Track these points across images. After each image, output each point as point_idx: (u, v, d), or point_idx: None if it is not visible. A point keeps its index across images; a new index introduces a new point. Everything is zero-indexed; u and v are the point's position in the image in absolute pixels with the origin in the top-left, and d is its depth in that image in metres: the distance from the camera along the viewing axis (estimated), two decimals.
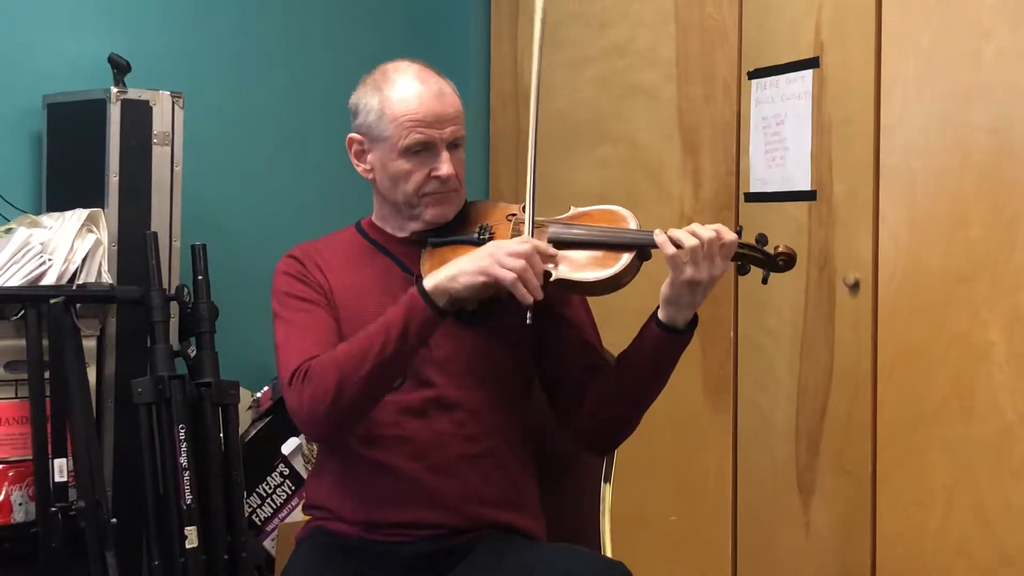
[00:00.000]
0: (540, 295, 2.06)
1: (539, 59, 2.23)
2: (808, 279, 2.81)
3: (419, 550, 2.17)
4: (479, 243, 2.23)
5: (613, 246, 2.16)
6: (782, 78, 2.89)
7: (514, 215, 2.27)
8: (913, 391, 2.58)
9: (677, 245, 2.08)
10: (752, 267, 2.19)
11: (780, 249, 2.19)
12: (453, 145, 2.24)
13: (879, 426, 2.66)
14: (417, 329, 2.08)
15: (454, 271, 2.08)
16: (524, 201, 2.27)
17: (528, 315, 2.09)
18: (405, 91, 2.23)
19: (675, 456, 3.17)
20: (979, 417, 2.45)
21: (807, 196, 2.83)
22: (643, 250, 2.16)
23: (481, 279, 2.06)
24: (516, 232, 2.22)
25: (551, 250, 2.11)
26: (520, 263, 2.05)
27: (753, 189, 2.98)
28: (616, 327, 2.52)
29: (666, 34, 3.19)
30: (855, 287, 2.70)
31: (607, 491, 2.38)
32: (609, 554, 2.33)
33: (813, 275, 2.80)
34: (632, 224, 2.21)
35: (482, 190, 3.73)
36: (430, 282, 2.08)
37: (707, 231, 2.09)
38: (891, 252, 2.63)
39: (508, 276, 2.04)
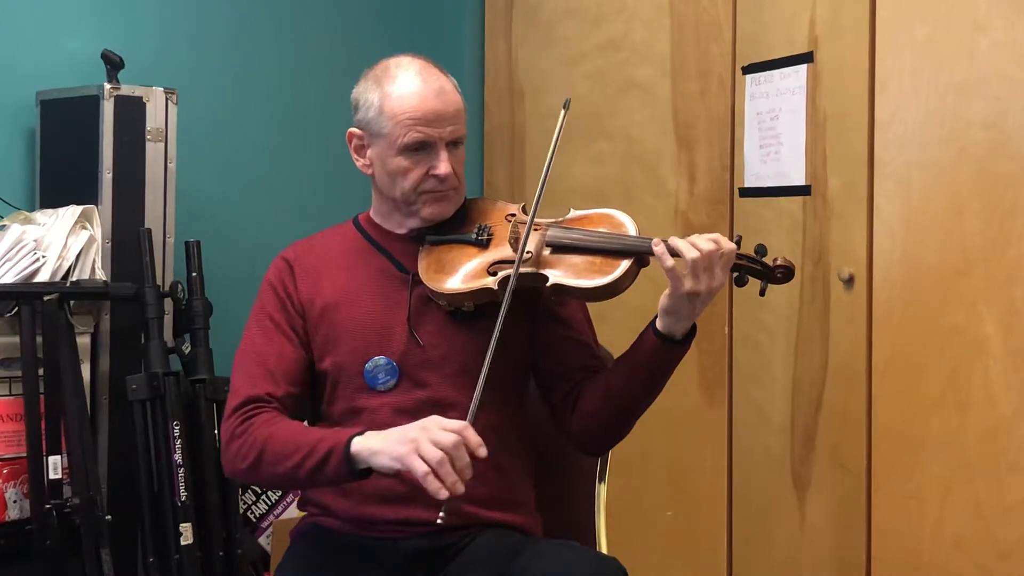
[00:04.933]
0: (458, 491, 1.97)
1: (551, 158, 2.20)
2: (803, 274, 2.81)
3: (414, 547, 2.17)
4: (477, 243, 2.22)
5: (612, 252, 2.15)
6: (776, 73, 2.89)
7: (513, 215, 2.26)
8: (908, 385, 2.58)
9: (675, 255, 2.07)
10: (750, 279, 2.18)
11: (779, 261, 2.17)
12: (453, 144, 2.23)
13: (874, 421, 2.66)
14: (330, 474, 2.07)
15: (378, 446, 2.03)
16: (522, 200, 2.26)
17: (440, 514, 2.00)
18: (405, 88, 2.21)
19: (671, 451, 3.17)
20: (975, 411, 2.45)
21: (802, 191, 2.82)
22: (642, 257, 2.15)
23: (397, 466, 2.01)
24: (515, 233, 2.20)
25: (481, 450, 1.99)
26: (437, 455, 1.95)
27: (748, 184, 2.98)
28: (613, 325, 2.52)
29: (661, 29, 3.19)
30: (850, 282, 2.70)
31: (602, 491, 2.38)
32: (605, 550, 2.33)
33: (808, 270, 2.80)
34: (631, 230, 2.19)
35: (476, 186, 3.73)
36: (357, 444, 2.04)
37: (706, 242, 2.06)
38: (886, 246, 2.62)
39: (420, 468, 1.96)
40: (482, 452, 1.99)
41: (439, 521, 2.01)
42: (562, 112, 2.18)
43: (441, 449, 1.96)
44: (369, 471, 2.05)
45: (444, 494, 1.96)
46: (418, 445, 1.97)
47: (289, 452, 2.09)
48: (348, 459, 2.04)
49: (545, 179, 2.16)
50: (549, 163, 2.17)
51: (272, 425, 2.14)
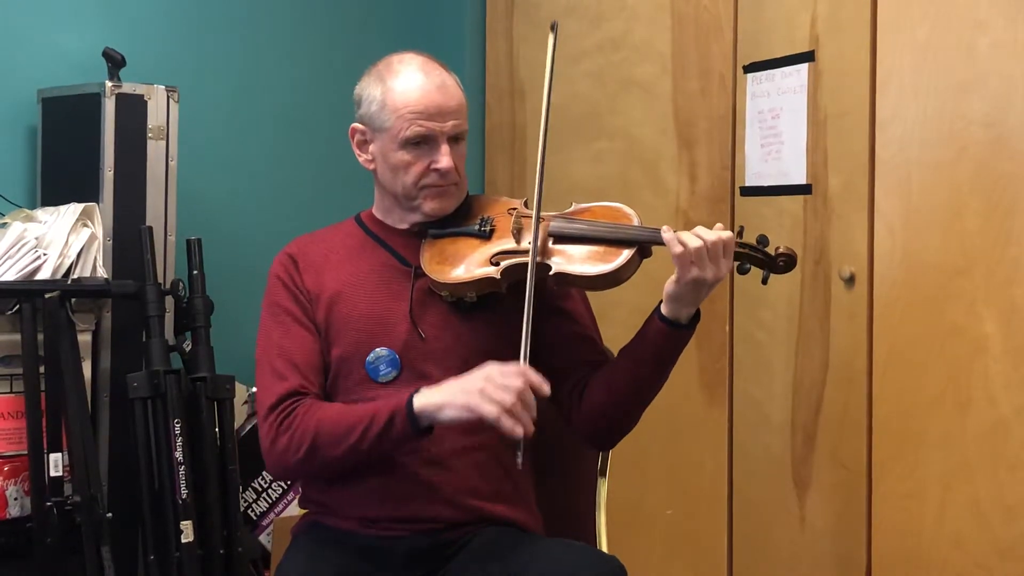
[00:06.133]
0: (531, 430, 2.01)
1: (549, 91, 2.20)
2: (803, 273, 2.81)
3: (415, 544, 2.17)
4: (479, 235, 2.23)
5: (614, 242, 2.16)
6: (777, 72, 2.89)
7: (515, 209, 2.27)
8: (909, 384, 2.58)
9: (683, 245, 2.08)
10: (752, 267, 2.19)
11: (781, 250, 2.19)
12: (454, 139, 2.24)
13: (874, 420, 2.66)
14: (395, 438, 2.09)
15: (443, 399, 2.06)
16: (523, 196, 2.28)
17: (518, 455, 2.04)
18: (408, 83, 2.23)
19: (671, 450, 3.17)
20: (974, 410, 2.45)
21: (802, 190, 2.83)
22: (644, 247, 2.17)
23: (466, 415, 2.04)
24: (517, 225, 2.21)
25: (544, 387, 2.05)
26: (508, 397, 2.00)
27: (748, 183, 2.98)
28: (614, 322, 2.52)
29: (662, 28, 3.19)
30: (851, 280, 2.70)
31: (603, 485, 2.38)
32: (605, 548, 2.33)
33: (808, 269, 2.80)
34: (635, 222, 2.21)
35: (478, 184, 3.73)
36: (420, 401, 2.07)
37: (712, 233, 2.09)
38: (887, 245, 2.63)
39: (491, 411, 2.00)
40: (546, 390, 2.04)
41: (519, 465, 2.05)
42: (551, 36, 2.19)
43: (510, 392, 2.00)
44: (431, 428, 2.08)
45: (519, 431, 2.00)
46: (486, 392, 2.01)
47: (346, 429, 2.10)
48: (412, 418, 2.06)
49: (547, 117, 2.17)
50: (547, 99, 2.17)
51: (318, 411, 2.15)
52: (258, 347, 2.26)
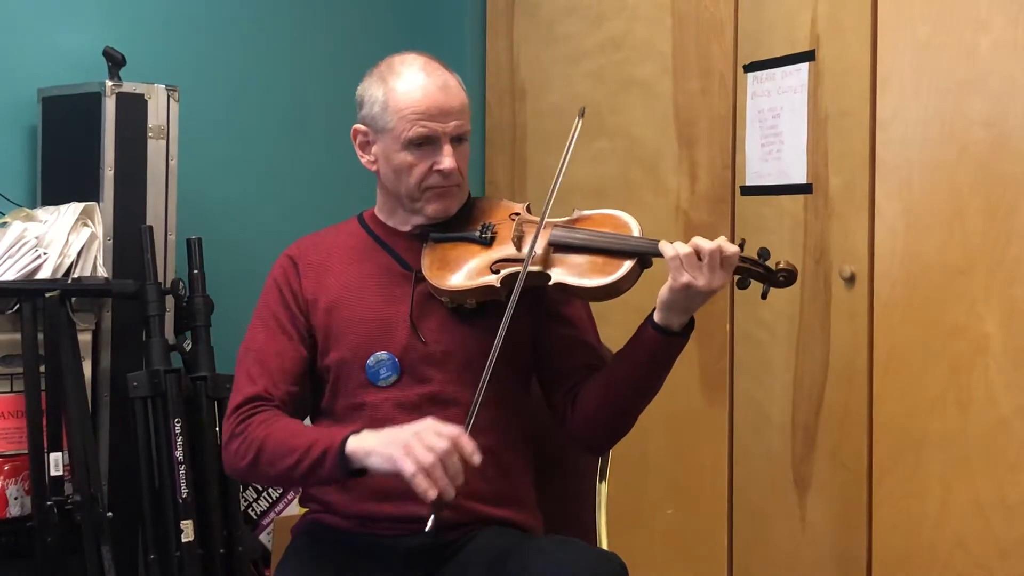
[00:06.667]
0: (448, 495, 1.97)
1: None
2: (804, 272, 2.81)
3: (414, 544, 2.16)
4: (481, 241, 2.23)
5: (615, 253, 2.16)
6: (778, 71, 2.89)
7: (517, 215, 2.26)
8: (909, 384, 2.58)
9: (676, 250, 2.07)
10: (752, 282, 2.18)
11: (781, 265, 2.17)
12: (457, 139, 2.23)
13: (875, 419, 2.66)
14: (326, 475, 2.08)
15: (372, 446, 2.03)
16: (524, 199, 2.27)
17: (428, 521, 2.01)
18: (410, 83, 2.22)
19: (671, 450, 3.17)
20: (975, 410, 2.45)
21: (803, 189, 2.83)
22: (644, 258, 2.15)
23: (388, 467, 2.00)
24: (518, 232, 2.21)
25: (475, 457, 1.99)
26: (429, 458, 1.95)
27: (749, 182, 2.98)
28: (613, 324, 2.52)
29: (662, 27, 3.19)
30: (851, 280, 2.70)
31: (602, 489, 2.38)
32: (605, 548, 2.32)
33: (809, 268, 2.80)
34: (635, 231, 2.19)
35: (478, 185, 3.74)
36: (352, 443, 2.04)
37: (710, 243, 2.08)
38: (887, 245, 2.63)
39: (409, 468, 1.95)
40: (476, 459, 1.99)
41: (427, 528, 2.01)
42: (577, 120, 2.20)
43: (433, 453, 1.97)
44: (365, 470, 2.06)
45: (432, 494, 1.95)
46: (410, 448, 1.98)
47: (285, 452, 2.11)
48: (343, 459, 2.05)
49: (555, 188, 2.17)
50: (560, 171, 2.18)
51: (270, 425, 2.15)
52: (241, 346, 2.27)
